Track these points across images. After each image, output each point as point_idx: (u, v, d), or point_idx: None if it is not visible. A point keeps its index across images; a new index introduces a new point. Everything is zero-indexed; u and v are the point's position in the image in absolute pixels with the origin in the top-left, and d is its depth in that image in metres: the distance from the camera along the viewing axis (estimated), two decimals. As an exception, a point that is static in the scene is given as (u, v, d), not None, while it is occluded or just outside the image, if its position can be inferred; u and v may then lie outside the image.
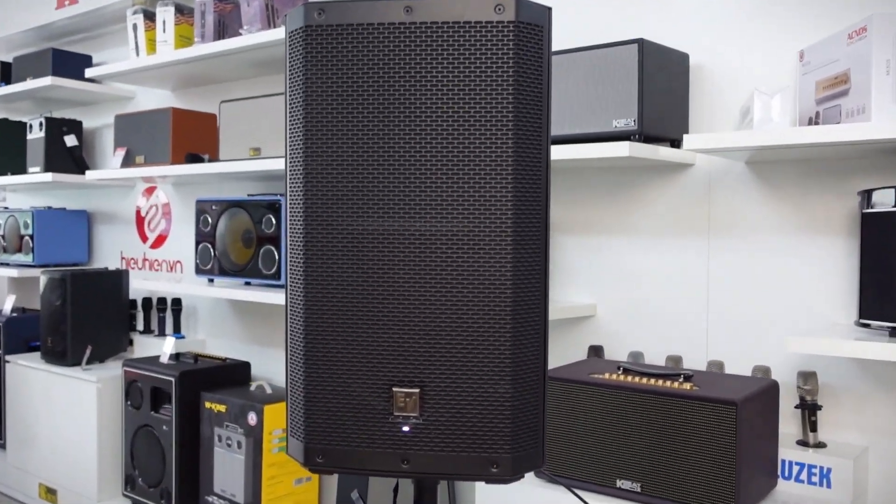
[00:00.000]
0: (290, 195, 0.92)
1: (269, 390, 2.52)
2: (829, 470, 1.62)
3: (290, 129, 0.92)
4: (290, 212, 0.92)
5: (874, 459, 1.67)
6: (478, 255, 0.87)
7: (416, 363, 0.88)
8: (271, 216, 2.43)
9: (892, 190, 1.44)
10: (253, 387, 2.58)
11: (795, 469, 1.65)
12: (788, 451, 1.66)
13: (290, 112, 0.92)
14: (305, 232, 0.89)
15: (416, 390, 0.88)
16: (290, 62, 0.91)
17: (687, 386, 1.55)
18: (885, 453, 1.66)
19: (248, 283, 2.60)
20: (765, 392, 1.57)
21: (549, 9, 0.89)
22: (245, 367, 2.72)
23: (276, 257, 2.41)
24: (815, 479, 1.63)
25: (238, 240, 2.55)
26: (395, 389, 0.89)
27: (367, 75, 0.88)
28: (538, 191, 0.89)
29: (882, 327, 1.46)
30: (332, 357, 0.89)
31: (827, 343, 1.43)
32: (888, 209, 1.45)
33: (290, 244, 0.92)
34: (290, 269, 0.92)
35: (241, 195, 2.92)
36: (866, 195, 1.51)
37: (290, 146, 0.92)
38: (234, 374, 2.68)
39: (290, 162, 0.92)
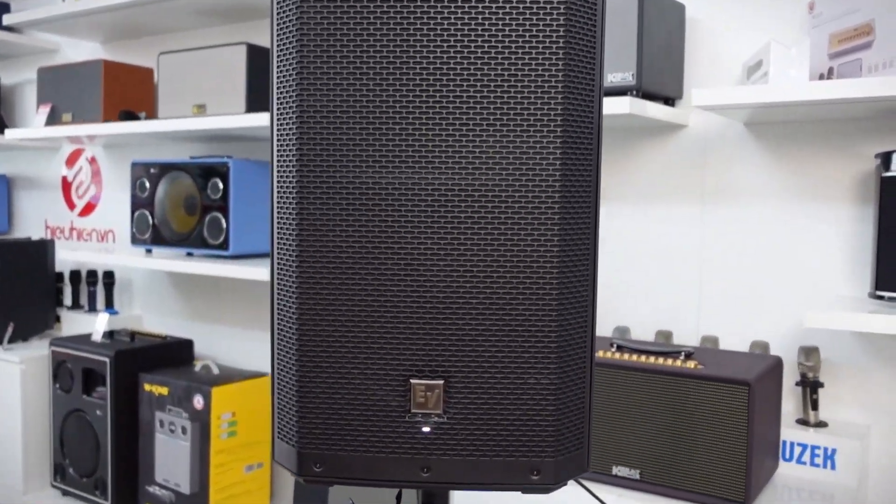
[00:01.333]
0: (280, 141, 0.74)
1: (215, 370, 2.32)
2: (833, 451, 1.52)
3: (279, 55, 0.73)
4: (280, 161, 0.74)
5: (876, 439, 1.58)
6: (517, 215, 0.70)
7: (440, 349, 0.72)
8: (218, 180, 2.21)
9: (917, 152, 1.33)
10: (198, 367, 2.36)
11: (797, 450, 1.55)
12: (789, 432, 1.56)
13: (278, 34, 0.73)
14: (300, 186, 0.71)
15: (440, 382, 0.72)
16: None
17: (691, 364, 1.43)
18: (888, 432, 1.57)
19: (189, 254, 2.38)
20: (772, 370, 1.45)
21: (605, -88, 0.72)
22: (187, 345, 2.50)
23: (224, 225, 2.20)
24: (819, 460, 1.53)
25: (180, 206, 2.32)
26: (413, 382, 0.72)
27: (378, -11, 0.69)
28: (590, 136, 0.73)
29: (901, 300, 1.36)
30: (333, 342, 0.72)
31: (849, 317, 1.31)
32: (911, 172, 1.34)
33: (279, 202, 0.74)
34: (279, 235, 0.74)
35: (181, 158, 2.68)
36: (885, 158, 1.40)
37: (280, 76, 0.73)
38: (175, 354, 2.46)
39: (280, 95, 0.73)
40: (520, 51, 0.69)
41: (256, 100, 2.18)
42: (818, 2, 1.52)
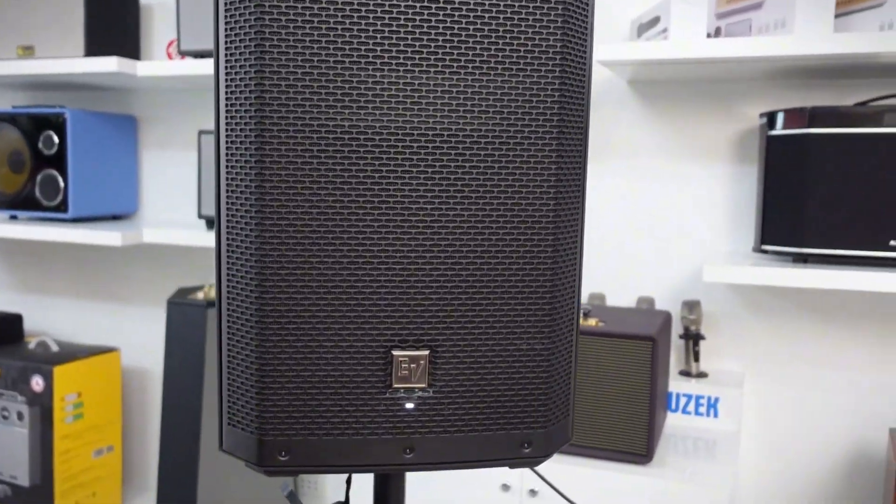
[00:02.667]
0: (230, 78, 0.61)
1: (54, 347, 2.07)
2: (716, 399, 1.59)
3: (230, -30, 0.60)
4: (230, 102, 0.61)
5: (749, 385, 1.67)
6: (512, 164, 0.63)
7: (426, 315, 0.63)
8: (52, 134, 1.95)
9: (805, 111, 1.39)
10: (32, 344, 2.10)
11: (683, 401, 1.61)
12: (674, 383, 1.61)
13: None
14: (259, 130, 0.60)
15: (425, 353, 0.64)
16: None
17: (592, 322, 1.42)
18: (759, 378, 1.66)
19: (14, 217, 2.10)
20: (665, 324, 1.49)
21: None
22: (16, 320, 2.21)
23: (62, 184, 1.95)
24: (703, 409, 1.60)
25: (3, 163, 2.03)
26: (395, 353, 0.63)
27: None
28: (582, 77, 0.66)
29: (785, 253, 1.42)
30: (301, 311, 0.62)
31: (745, 271, 1.36)
32: (796, 131, 1.39)
33: (230, 149, 0.62)
34: (230, 187, 0.62)
35: (1, 108, 2.35)
36: (770, 117, 1.45)
37: (230, 3, 0.61)
38: (2, 330, 2.17)
39: (231, 24, 0.61)
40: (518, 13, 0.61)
41: (97, 42, 1.93)
42: (705, -39, 1.54)
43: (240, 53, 0.60)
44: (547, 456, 0.68)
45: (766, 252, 1.45)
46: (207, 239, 1.77)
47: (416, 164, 0.62)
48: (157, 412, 2.24)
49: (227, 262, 0.64)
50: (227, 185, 0.63)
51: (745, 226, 1.64)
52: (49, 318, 2.34)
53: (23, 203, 2.00)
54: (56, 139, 1.95)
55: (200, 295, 1.86)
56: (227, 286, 0.64)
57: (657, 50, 1.35)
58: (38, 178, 1.98)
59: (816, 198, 1.36)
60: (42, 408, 1.94)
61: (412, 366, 0.64)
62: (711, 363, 1.69)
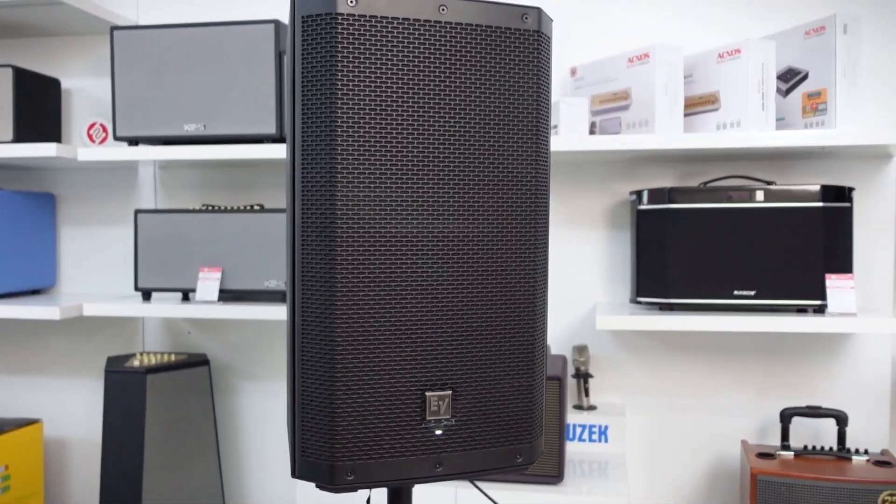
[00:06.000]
0: (307, 194, 0.84)
1: (-25, 423, 2.10)
2: (606, 427, 1.90)
3: (309, 121, 0.84)
4: (306, 212, 0.84)
5: (630, 414, 2.00)
6: (507, 255, 0.89)
7: (449, 365, 0.88)
8: (-22, 213, 2.02)
9: (665, 190, 1.75)
10: (-50, 421, 2.11)
11: (579, 430, 1.91)
12: (570, 416, 1.91)
13: (307, 102, 0.84)
14: (333, 236, 0.83)
15: (449, 392, 0.88)
16: (307, 49, 0.83)
17: (507, 367, 1.70)
18: (637, 408, 1.99)
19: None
20: (564, 366, 1.78)
21: (552, 20, 0.95)
22: (-76, 398, 2.21)
23: (-13, 263, 2.02)
24: (595, 436, 1.90)
25: (-80, 243, 2.06)
26: (427, 394, 0.87)
27: (396, 72, 0.84)
28: (546, 192, 0.94)
29: (654, 303, 1.77)
30: (364, 367, 0.84)
31: (632, 319, 1.68)
32: (658, 206, 1.75)
33: (307, 246, 0.84)
34: (307, 275, 0.85)
35: None
36: (638, 194, 1.80)
37: (308, 141, 0.84)
38: (-89, 409, 2.17)
39: (308, 158, 0.84)
40: (505, 129, 0.89)
41: (24, 126, 2.03)
42: (580, 68, 1.89)
43: (310, 185, 0.84)
44: (532, 462, 0.94)
45: (640, 303, 1.79)
46: (145, 310, 1.90)
47: (440, 258, 0.87)
48: (77, 480, 2.29)
49: (302, 337, 0.86)
50: (303, 272, 0.85)
51: (621, 280, 1.98)
52: (-42, 395, 2.34)
53: (-58, 282, 2.04)
54: (-19, 219, 2.02)
55: (136, 362, 1.98)
56: (301, 353, 0.86)
57: (551, 143, 1.67)
58: (-40, 256, 2.03)
59: (676, 259, 1.72)
60: (-31, 483, 1.96)
61: (440, 403, 0.88)
62: (599, 397, 2.00)
